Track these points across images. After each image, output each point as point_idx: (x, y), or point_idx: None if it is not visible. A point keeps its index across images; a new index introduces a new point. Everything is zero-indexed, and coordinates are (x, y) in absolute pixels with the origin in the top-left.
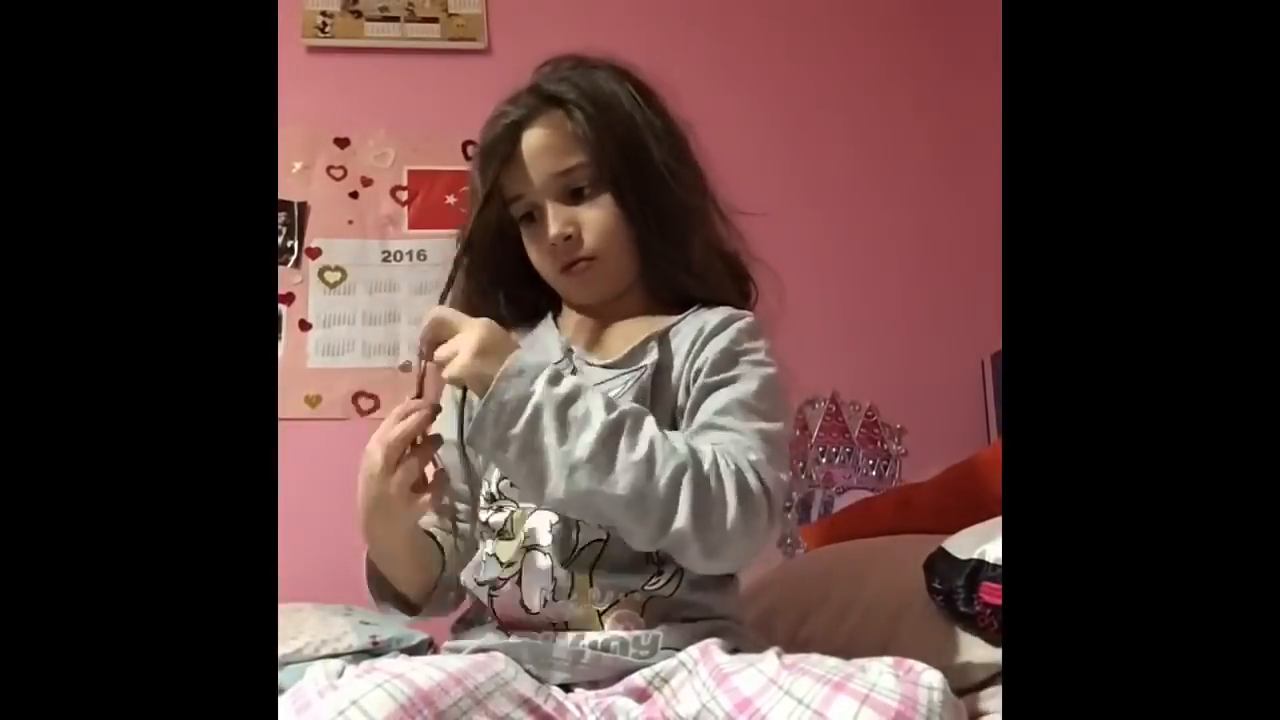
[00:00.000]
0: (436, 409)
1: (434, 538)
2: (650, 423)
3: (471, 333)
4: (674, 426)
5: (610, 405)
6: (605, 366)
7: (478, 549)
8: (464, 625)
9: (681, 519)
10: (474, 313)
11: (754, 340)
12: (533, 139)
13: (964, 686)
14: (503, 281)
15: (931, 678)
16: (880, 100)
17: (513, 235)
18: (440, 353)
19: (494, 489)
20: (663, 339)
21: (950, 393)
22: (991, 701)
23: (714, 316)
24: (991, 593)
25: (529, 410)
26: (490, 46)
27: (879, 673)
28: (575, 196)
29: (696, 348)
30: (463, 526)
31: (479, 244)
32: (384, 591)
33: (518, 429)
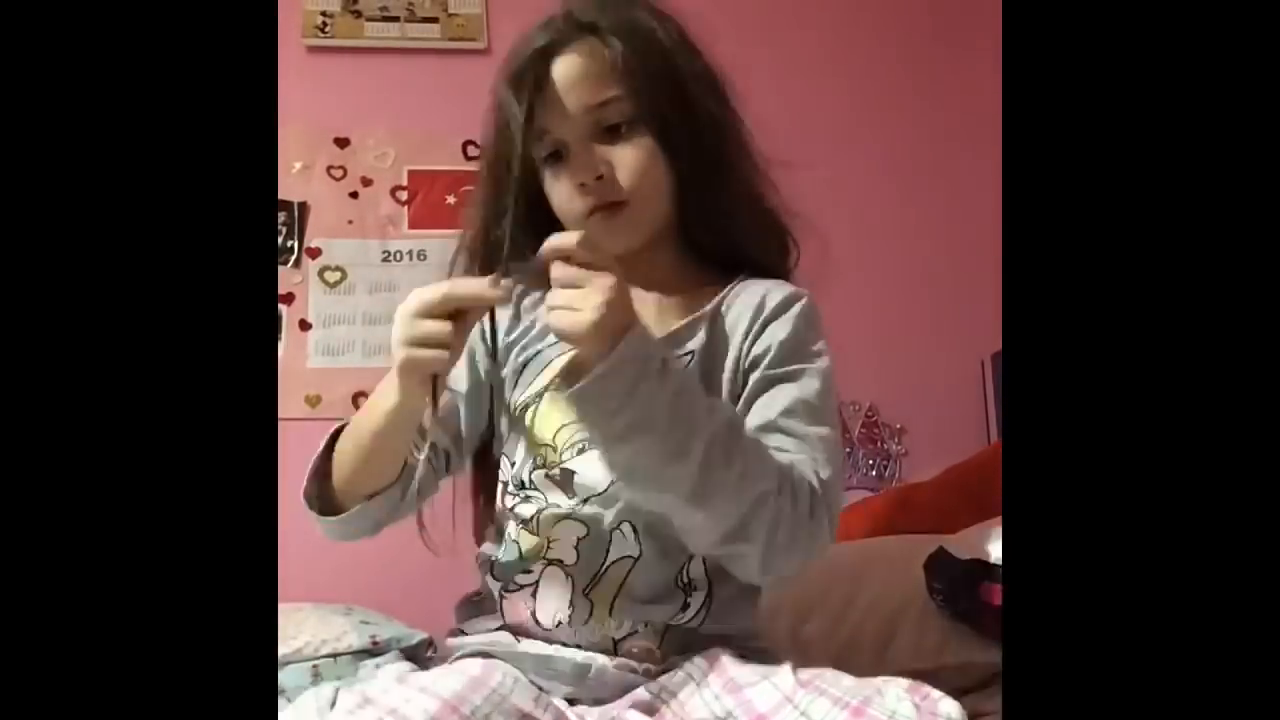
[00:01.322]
0: (503, 301)
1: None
2: (747, 439)
3: (598, 294)
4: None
5: (711, 407)
6: None
7: (422, 493)
8: (472, 609)
9: (753, 534)
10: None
11: (815, 329)
12: (565, 67)
13: (964, 686)
14: (530, 236)
15: (949, 707)
16: (879, 100)
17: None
18: (561, 274)
19: (526, 477)
20: (713, 320)
21: (950, 393)
22: (991, 701)
23: (772, 295)
24: (991, 593)
25: (632, 409)
26: (490, 46)
27: (897, 699)
28: (609, 134)
29: (755, 330)
30: (424, 474)
31: (520, 185)
32: (317, 480)
33: (630, 410)
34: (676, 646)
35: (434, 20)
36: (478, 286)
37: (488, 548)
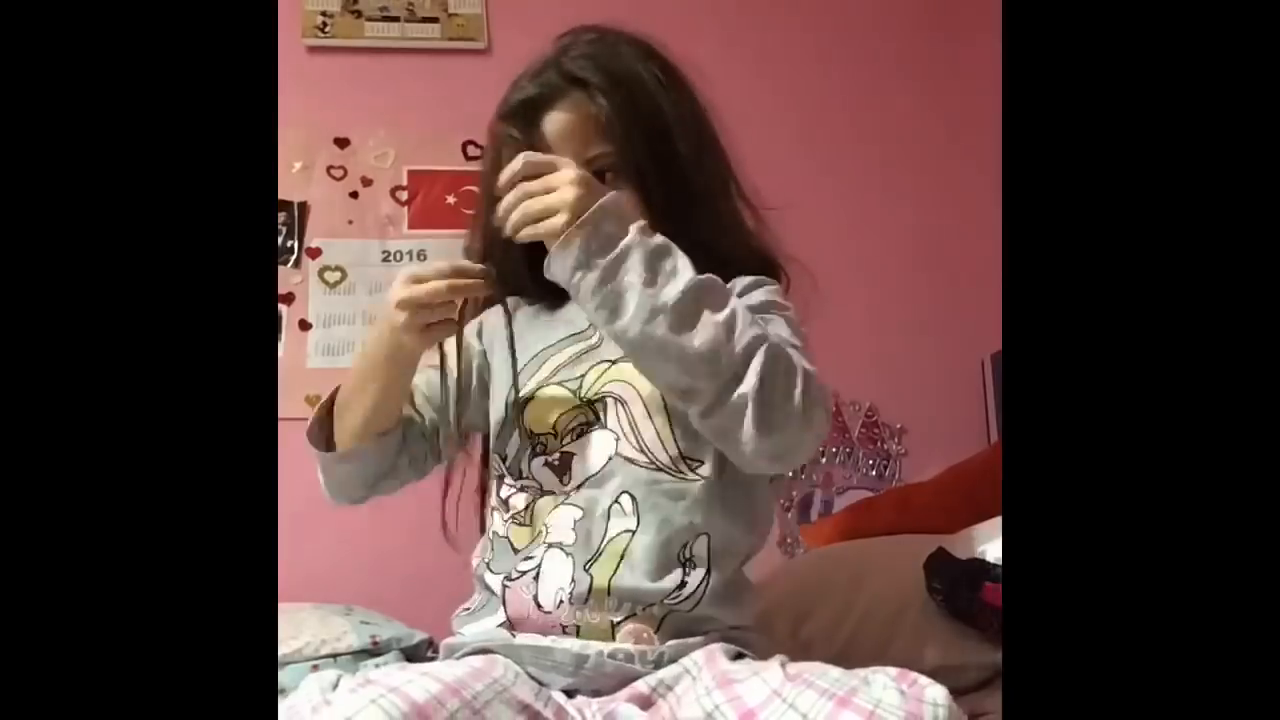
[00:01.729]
0: (490, 278)
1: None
2: (734, 295)
3: (569, 169)
4: None
5: (692, 267)
6: None
7: (419, 463)
8: (468, 617)
9: (749, 383)
10: (504, 283)
11: (779, 295)
12: (555, 123)
13: (964, 686)
14: (529, 252)
15: (936, 694)
16: (880, 99)
17: None
18: (533, 185)
19: (524, 466)
20: None
21: (950, 393)
22: (991, 701)
23: (744, 279)
24: (991, 593)
25: (620, 247)
26: (490, 46)
27: (883, 687)
28: (597, 179)
29: None
30: (417, 445)
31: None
32: (321, 421)
33: (606, 260)
34: (673, 631)
35: (434, 20)
36: (460, 271)
37: (478, 550)
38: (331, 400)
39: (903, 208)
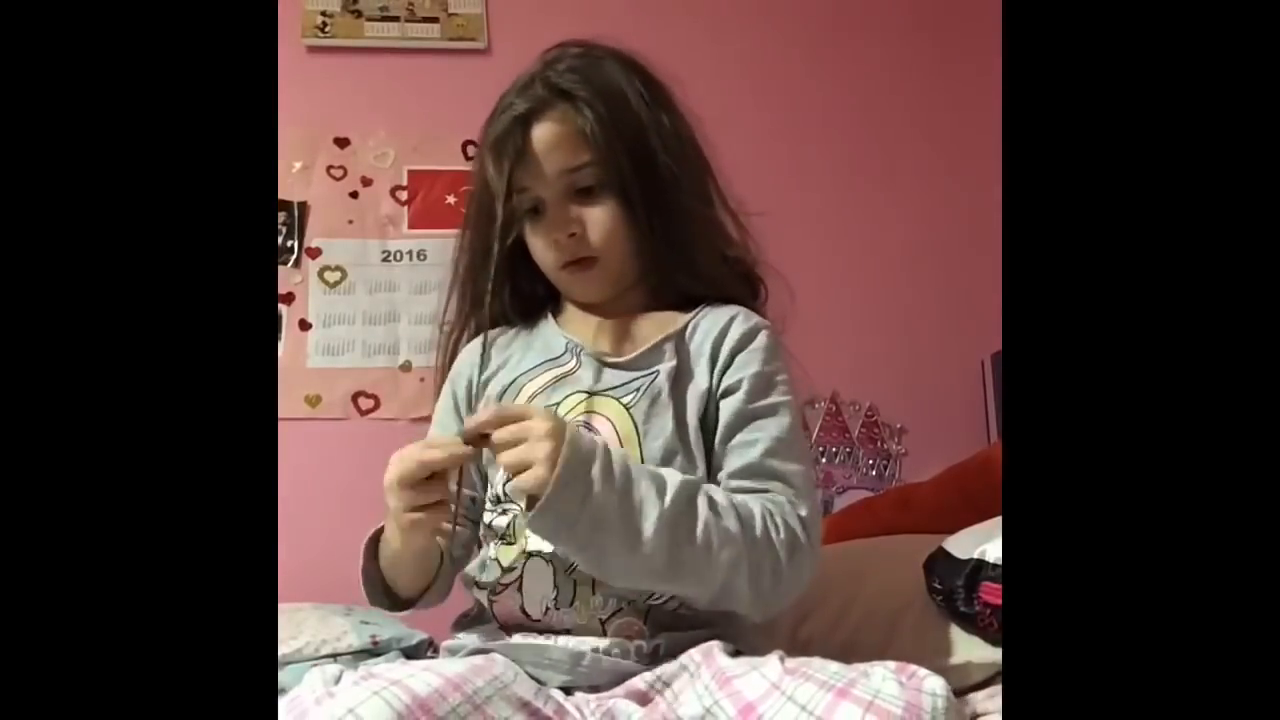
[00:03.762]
0: (472, 458)
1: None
2: (701, 502)
3: (540, 420)
4: (686, 428)
5: (660, 491)
6: (615, 365)
7: (476, 548)
8: (465, 623)
9: (739, 588)
10: (478, 305)
11: (780, 359)
12: (542, 133)
13: (964, 686)
14: (508, 274)
15: (935, 684)
16: (880, 99)
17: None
18: (504, 435)
19: (499, 491)
20: (679, 341)
21: (950, 393)
22: (991, 701)
23: (736, 324)
24: (991, 593)
25: (593, 507)
26: (490, 46)
27: (882, 679)
28: (582, 194)
29: (724, 360)
30: (461, 532)
31: (502, 244)
32: (377, 589)
33: (582, 524)
34: (661, 624)
35: (434, 20)
36: (448, 449)
37: (471, 568)
38: (372, 558)
39: (903, 207)
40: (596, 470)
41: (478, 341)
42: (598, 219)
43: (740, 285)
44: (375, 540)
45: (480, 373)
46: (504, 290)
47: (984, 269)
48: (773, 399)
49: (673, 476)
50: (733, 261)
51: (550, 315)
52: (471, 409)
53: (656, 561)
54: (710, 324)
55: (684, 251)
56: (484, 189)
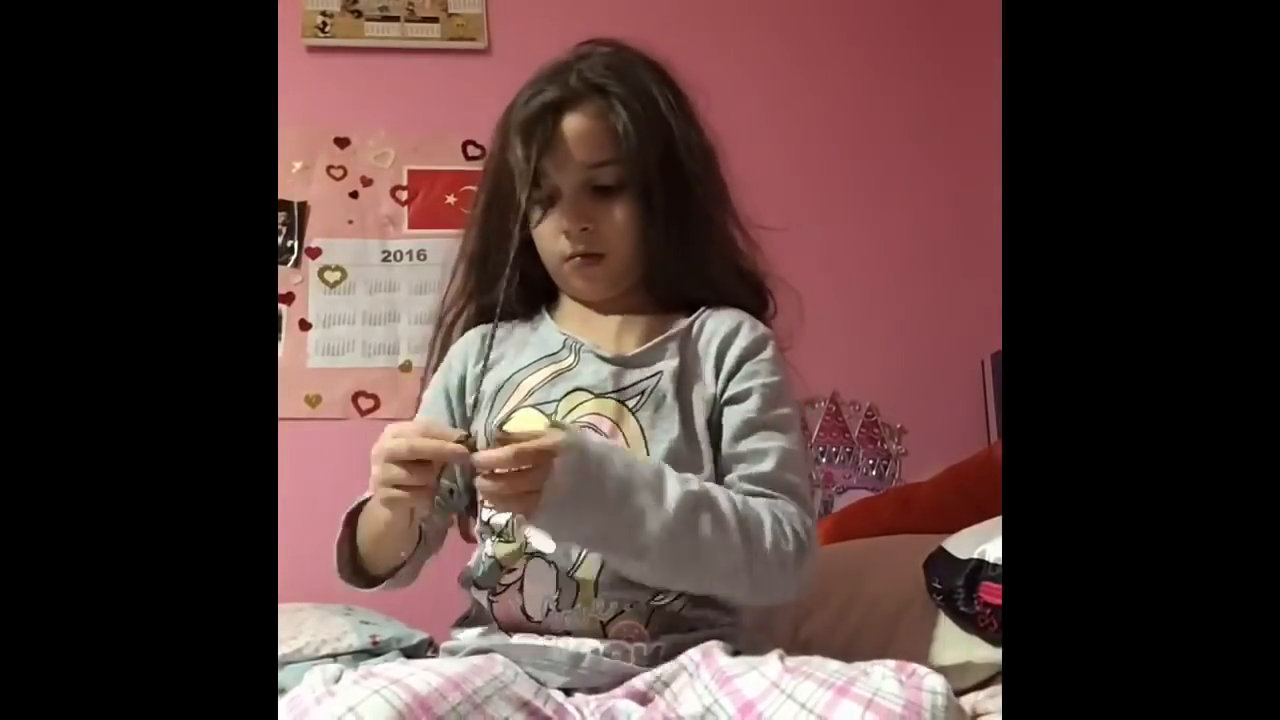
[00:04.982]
0: (463, 460)
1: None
2: (705, 519)
3: (559, 476)
4: (694, 431)
5: (660, 495)
6: (614, 361)
7: (449, 534)
8: (465, 623)
9: (742, 587)
10: (487, 290)
11: (785, 370)
12: (573, 124)
13: (964, 686)
14: (519, 264)
15: (935, 682)
16: (879, 100)
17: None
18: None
19: None
20: (684, 341)
21: (950, 393)
22: (991, 701)
23: (744, 331)
24: (991, 593)
25: (583, 537)
26: (490, 46)
27: (882, 677)
28: (600, 190)
29: (731, 364)
30: (436, 521)
31: (524, 224)
32: (345, 561)
33: (578, 540)
34: (663, 627)
35: (434, 20)
36: (439, 443)
37: (468, 566)
38: (348, 530)
39: (903, 207)
40: (588, 468)
41: (475, 334)
42: (614, 217)
43: (751, 297)
44: (355, 514)
45: (476, 364)
46: (514, 278)
47: (984, 269)
48: (782, 410)
49: (674, 487)
50: (746, 274)
51: (546, 312)
52: (464, 402)
53: (662, 558)
54: (716, 325)
55: (697, 259)
56: (503, 171)
